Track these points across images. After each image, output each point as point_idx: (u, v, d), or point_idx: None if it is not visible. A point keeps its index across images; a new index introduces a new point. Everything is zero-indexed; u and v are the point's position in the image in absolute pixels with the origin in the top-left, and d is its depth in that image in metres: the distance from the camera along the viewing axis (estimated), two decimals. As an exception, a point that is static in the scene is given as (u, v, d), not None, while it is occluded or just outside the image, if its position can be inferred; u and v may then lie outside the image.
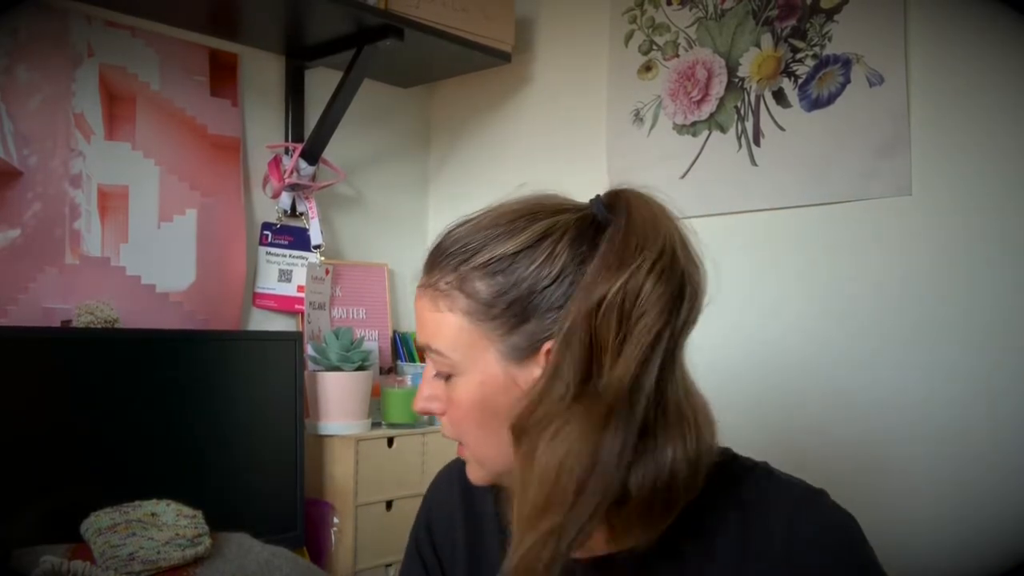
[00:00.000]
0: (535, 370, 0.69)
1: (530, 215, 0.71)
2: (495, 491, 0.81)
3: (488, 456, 0.74)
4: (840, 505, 0.70)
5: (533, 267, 0.69)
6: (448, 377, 0.73)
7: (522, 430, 0.67)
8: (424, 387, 0.76)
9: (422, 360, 1.65)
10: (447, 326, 0.71)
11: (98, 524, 1.11)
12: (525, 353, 0.69)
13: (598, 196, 0.74)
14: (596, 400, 0.65)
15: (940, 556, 1.20)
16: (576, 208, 0.73)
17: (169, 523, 1.12)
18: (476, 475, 0.76)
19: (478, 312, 0.70)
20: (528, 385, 0.69)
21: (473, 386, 0.71)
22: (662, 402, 0.67)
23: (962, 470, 1.19)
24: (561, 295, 0.68)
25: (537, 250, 0.69)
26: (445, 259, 0.72)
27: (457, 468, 0.84)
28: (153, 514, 1.14)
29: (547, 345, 0.68)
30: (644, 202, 0.72)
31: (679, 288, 0.68)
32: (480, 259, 0.70)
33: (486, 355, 0.70)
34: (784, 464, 0.73)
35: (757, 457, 0.75)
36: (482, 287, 0.70)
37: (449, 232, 0.74)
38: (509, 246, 0.69)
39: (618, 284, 0.65)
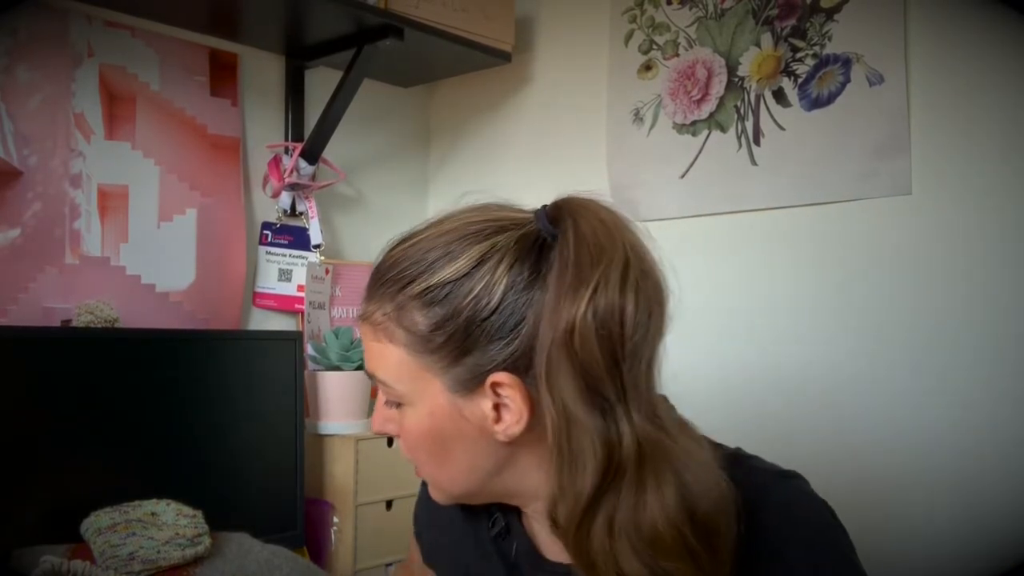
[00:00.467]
0: (481, 402, 0.66)
1: (469, 236, 0.66)
2: (497, 525, 0.79)
3: (443, 481, 0.73)
4: (814, 493, 0.69)
5: (471, 297, 0.65)
6: (398, 405, 0.71)
7: (582, 510, 0.62)
8: (378, 408, 0.74)
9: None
10: (388, 358, 0.69)
11: (98, 524, 1.11)
12: (469, 385, 0.66)
13: (543, 208, 0.68)
14: (637, 450, 0.61)
15: (940, 556, 1.20)
16: (519, 223, 0.67)
17: (169, 522, 1.12)
18: (437, 496, 0.75)
19: (417, 344, 0.67)
20: (476, 418, 0.67)
21: (422, 416, 0.69)
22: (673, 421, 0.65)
23: (962, 470, 1.18)
24: (502, 325, 0.65)
25: (474, 278, 0.65)
26: (382, 287, 0.69)
27: None
28: (153, 514, 1.14)
29: (492, 378, 0.65)
30: (592, 211, 0.66)
31: (660, 297, 0.65)
32: (417, 288, 0.66)
33: (431, 387, 0.68)
34: (783, 464, 0.72)
35: (768, 453, 0.74)
36: (420, 319, 0.66)
37: (389, 252, 0.71)
38: (446, 273, 0.65)
39: (583, 305, 0.61)
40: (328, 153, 1.65)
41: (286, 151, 1.64)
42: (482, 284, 0.65)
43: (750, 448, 0.73)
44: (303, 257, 1.66)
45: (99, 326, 1.30)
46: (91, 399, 1.22)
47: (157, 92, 1.48)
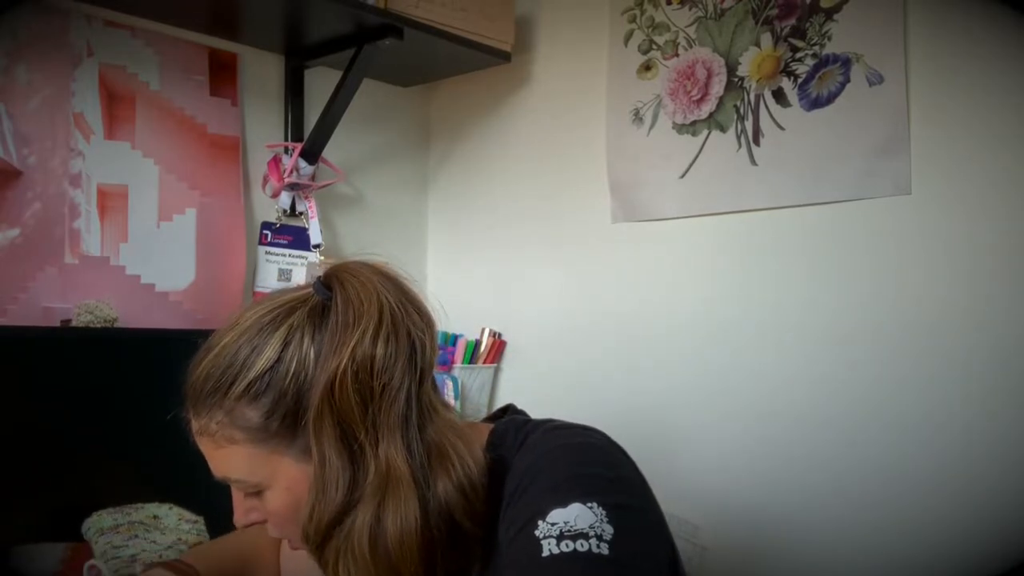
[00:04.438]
0: None
1: (266, 326, 0.72)
2: None
3: None
4: (568, 437, 0.73)
5: (290, 376, 0.71)
6: (258, 494, 0.75)
7: (321, 534, 0.70)
8: (237, 505, 0.78)
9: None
10: (235, 458, 0.73)
11: (100, 524, 1.11)
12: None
13: (318, 279, 0.76)
14: (381, 479, 0.68)
15: (940, 556, 1.20)
16: (303, 300, 0.74)
17: (171, 527, 1.12)
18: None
19: (258, 435, 0.72)
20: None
21: (282, 494, 0.74)
22: (429, 450, 0.71)
23: (962, 471, 1.18)
24: None
25: (286, 359, 0.71)
26: (206, 399, 0.73)
27: None
28: (155, 516, 1.14)
29: None
30: (355, 273, 0.74)
31: (409, 346, 0.71)
32: (239, 388, 0.71)
33: (282, 465, 0.73)
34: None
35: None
36: (252, 413, 0.71)
37: (196, 368, 0.75)
38: (259, 365, 0.71)
39: (345, 357, 0.68)
40: (328, 153, 1.65)
41: (286, 151, 1.64)
42: (295, 362, 0.71)
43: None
44: (303, 257, 1.66)
45: (98, 326, 1.30)
46: (90, 399, 1.22)
47: (157, 92, 1.48)
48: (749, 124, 1.42)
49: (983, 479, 1.16)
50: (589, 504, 0.65)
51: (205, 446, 0.75)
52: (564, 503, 0.65)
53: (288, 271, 1.65)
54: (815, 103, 1.34)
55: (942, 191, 1.22)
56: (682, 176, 1.50)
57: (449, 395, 1.68)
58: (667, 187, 1.52)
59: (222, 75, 1.57)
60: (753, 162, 1.41)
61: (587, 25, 1.67)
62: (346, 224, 1.78)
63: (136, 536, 1.08)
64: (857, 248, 1.30)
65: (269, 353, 0.71)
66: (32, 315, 1.31)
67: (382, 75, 1.80)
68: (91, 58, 1.40)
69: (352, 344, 0.68)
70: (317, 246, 1.66)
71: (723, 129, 1.45)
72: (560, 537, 0.63)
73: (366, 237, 1.80)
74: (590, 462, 0.70)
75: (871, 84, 1.28)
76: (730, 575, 1.38)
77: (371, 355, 0.69)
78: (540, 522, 0.64)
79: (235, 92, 1.59)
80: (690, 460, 1.44)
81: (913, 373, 1.23)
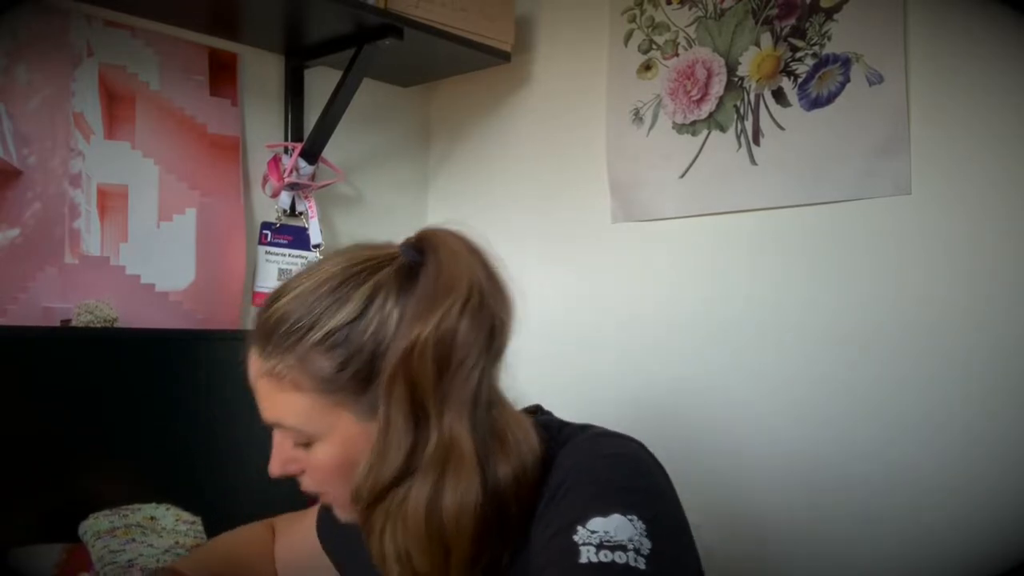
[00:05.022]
0: None
1: (353, 277, 0.72)
2: None
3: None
4: (611, 445, 0.74)
5: (369, 333, 0.70)
6: (306, 445, 0.74)
7: (375, 494, 0.69)
8: (278, 452, 0.76)
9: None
10: (296, 405, 0.72)
11: (97, 527, 1.10)
12: (378, 408, 0.71)
13: (408, 240, 0.76)
14: (442, 452, 0.68)
15: (940, 556, 1.20)
16: (391, 258, 0.74)
17: (168, 528, 1.12)
18: (347, 517, 0.78)
19: (325, 386, 0.71)
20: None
21: (335, 448, 0.73)
22: (492, 432, 0.70)
23: (962, 471, 1.18)
24: None
25: (368, 315, 0.70)
26: (279, 340, 0.72)
27: None
28: (152, 518, 1.14)
29: None
30: (450, 241, 0.74)
31: (490, 326, 0.71)
32: (316, 335, 0.70)
33: (341, 419, 0.72)
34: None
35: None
36: (325, 363, 0.70)
37: (274, 306, 0.73)
38: (341, 316, 0.70)
39: (430, 326, 0.67)
40: (328, 153, 1.65)
41: (286, 151, 1.64)
42: (377, 321, 0.70)
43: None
44: (303, 257, 1.66)
45: (98, 326, 1.30)
46: (90, 399, 1.22)
47: (157, 92, 1.48)
48: (749, 124, 1.42)
49: (983, 479, 1.16)
50: (630, 517, 0.65)
51: (265, 388, 0.74)
52: (606, 512, 0.65)
53: (288, 271, 1.65)
54: (815, 103, 1.34)
55: (942, 191, 1.22)
56: (682, 176, 1.50)
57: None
58: (667, 187, 1.52)
59: (222, 75, 1.57)
60: (753, 162, 1.41)
61: (587, 25, 1.67)
62: (346, 224, 1.78)
63: (133, 540, 1.07)
64: (857, 248, 1.30)
65: (351, 307, 0.70)
66: (32, 315, 1.31)
67: (382, 75, 1.80)
68: (91, 58, 1.40)
69: (439, 315, 0.68)
70: (317, 246, 1.66)
71: (723, 129, 1.45)
72: (600, 546, 0.63)
73: (366, 237, 1.78)
74: (635, 474, 0.70)
75: (871, 84, 1.28)
76: (730, 575, 1.38)
77: (455, 329, 0.68)
78: (580, 528, 0.65)
79: (235, 92, 1.59)
80: (690, 460, 1.44)
81: (913, 373, 1.23)
